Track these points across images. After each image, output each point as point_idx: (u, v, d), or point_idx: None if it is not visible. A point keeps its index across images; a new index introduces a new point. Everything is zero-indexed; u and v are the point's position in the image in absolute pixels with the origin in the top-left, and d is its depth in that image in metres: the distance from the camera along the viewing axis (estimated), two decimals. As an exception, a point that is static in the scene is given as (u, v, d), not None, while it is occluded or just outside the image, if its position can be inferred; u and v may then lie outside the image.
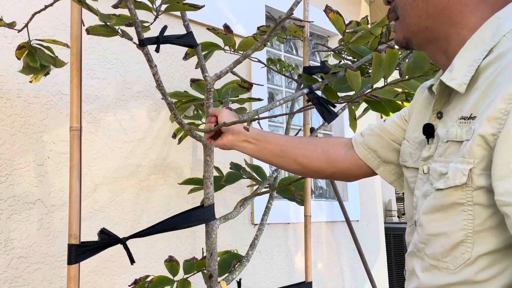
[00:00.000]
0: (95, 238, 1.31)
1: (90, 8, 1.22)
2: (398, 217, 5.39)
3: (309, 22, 1.68)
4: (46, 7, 1.44)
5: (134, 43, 1.24)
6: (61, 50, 1.88)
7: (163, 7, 1.29)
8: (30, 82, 1.56)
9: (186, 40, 1.38)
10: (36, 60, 1.48)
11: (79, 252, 1.20)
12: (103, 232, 1.26)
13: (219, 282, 1.44)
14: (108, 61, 2.01)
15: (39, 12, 1.47)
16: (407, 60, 1.64)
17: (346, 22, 1.69)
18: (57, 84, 1.85)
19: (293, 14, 1.27)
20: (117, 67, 2.04)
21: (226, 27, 1.63)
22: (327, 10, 1.61)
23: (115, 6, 1.25)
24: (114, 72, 2.03)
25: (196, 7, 1.28)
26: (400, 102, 1.62)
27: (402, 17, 0.83)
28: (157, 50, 1.28)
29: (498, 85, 0.66)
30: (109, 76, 2.01)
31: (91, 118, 1.93)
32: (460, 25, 0.76)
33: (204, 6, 1.32)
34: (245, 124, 1.04)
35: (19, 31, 1.50)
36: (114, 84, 2.02)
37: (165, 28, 1.29)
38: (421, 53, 1.43)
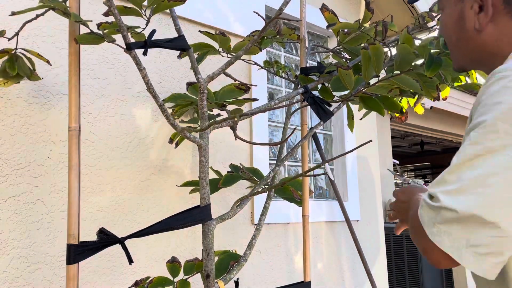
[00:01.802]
0: (95, 238, 1.32)
1: (76, 19, 1.24)
2: (398, 217, 5.38)
3: (298, 20, 1.68)
4: (37, 16, 1.46)
5: (121, 47, 1.26)
6: (61, 50, 1.89)
7: (152, 11, 1.30)
8: None
9: (177, 44, 1.39)
10: (14, 68, 1.51)
11: (77, 252, 1.20)
12: (102, 232, 1.27)
13: (216, 281, 1.44)
14: (108, 61, 2.02)
15: (30, 21, 1.49)
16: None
17: (343, 21, 1.70)
18: (57, 84, 1.85)
19: (281, 13, 1.27)
20: (117, 67, 2.04)
21: (222, 33, 1.64)
22: (323, 9, 1.62)
23: (105, 14, 1.27)
24: (114, 72, 2.03)
25: (181, 0, 1.29)
26: (395, 99, 1.63)
27: (451, 53, 0.96)
28: (144, 53, 1.29)
29: None
30: (109, 76, 2.01)
31: (91, 118, 1.93)
32: (500, 55, 0.86)
33: None
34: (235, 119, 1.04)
35: (9, 39, 1.52)
36: (114, 84, 2.02)
37: (153, 32, 1.31)
38: (406, 48, 1.45)
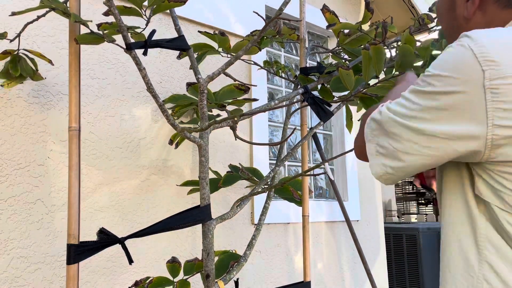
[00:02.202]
0: (95, 238, 1.32)
1: (76, 19, 1.24)
2: (398, 217, 5.39)
3: (298, 20, 1.69)
4: (38, 17, 1.46)
5: (122, 47, 1.26)
6: (61, 50, 1.89)
7: (152, 11, 1.30)
8: (1, 86, 1.59)
9: (177, 44, 1.39)
10: (17, 69, 1.52)
11: (78, 252, 1.20)
12: (102, 232, 1.27)
13: (216, 281, 1.44)
14: (108, 61, 2.02)
15: (31, 22, 1.50)
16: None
17: (343, 21, 1.69)
18: (57, 84, 1.85)
19: (281, 14, 1.27)
20: (117, 67, 2.04)
21: (221, 33, 1.64)
22: (324, 9, 1.62)
23: (106, 14, 1.27)
24: (114, 72, 2.03)
25: (181, 1, 1.29)
26: None
27: (447, 42, 1.01)
28: (144, 53, 1.29)
29: None
30: (109, 76, 2.01)
31: (91, 118, 1.93)
32: None
33: None
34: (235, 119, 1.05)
35: (11, 41, 1.52)
36: (114, 84, 2.02)
37: (153, 32, 1.31)
38: (406, 48, 1.45)
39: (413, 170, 0.82)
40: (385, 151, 0.84)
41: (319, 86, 1.78)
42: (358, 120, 2.02)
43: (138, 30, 1.44)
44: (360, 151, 0.94)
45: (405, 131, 0.79)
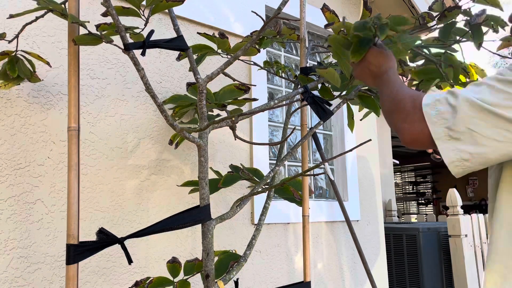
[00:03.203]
0: (95, 238, 1.32)
1: (74, 20, 1.24)
2: (398, 217, 5.38)
3: (297, 20, 1.69)
4: (37, 18, 1.46)
5: (120, 48, 1.26)
6: (61, 50, 1.89)
7: (151, 11, 1.30)
8: None
9: (176, 44, 1.39)
10: (15, 70, 1.51)
11: (77, 252, 1.20)
12: (102, 232, 1.27)
13: (216, 282, 1.44)
14: (108, 61, 2.02)
15: (30, 23, 1.50)
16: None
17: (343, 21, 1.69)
18: (57, 84, 1.85)
19: (280, 13, 1.27)
20: (117, 67, 2.04)
21: (221, 34, 1.64)
22: (324, 9, 1.62)
23: (104, 15, 1.27)
24: (114, 72, 2.03)
25: (179, 1, 1.29)
26: None
27: None
28: (143, 54, 1.29)
29: None
30: (109, 76, 2.01)
31: (91, 118, 1.93)
32: None
33: None
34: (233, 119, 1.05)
35: (9, 41, 1.52)
36: (114, 84, 2.02)
37: (151, 32, 1.31)
38: (397, 48, 1.44)
39: (495, 157, 0.82)
40: (461, 135, 0.82)
41: (319, 86, 1.78)
42: (361, 120, 2.03)
43: (137, 31, 1.44)
44: (389, 116, 0.94)
45: (493, 117, 0.80)
